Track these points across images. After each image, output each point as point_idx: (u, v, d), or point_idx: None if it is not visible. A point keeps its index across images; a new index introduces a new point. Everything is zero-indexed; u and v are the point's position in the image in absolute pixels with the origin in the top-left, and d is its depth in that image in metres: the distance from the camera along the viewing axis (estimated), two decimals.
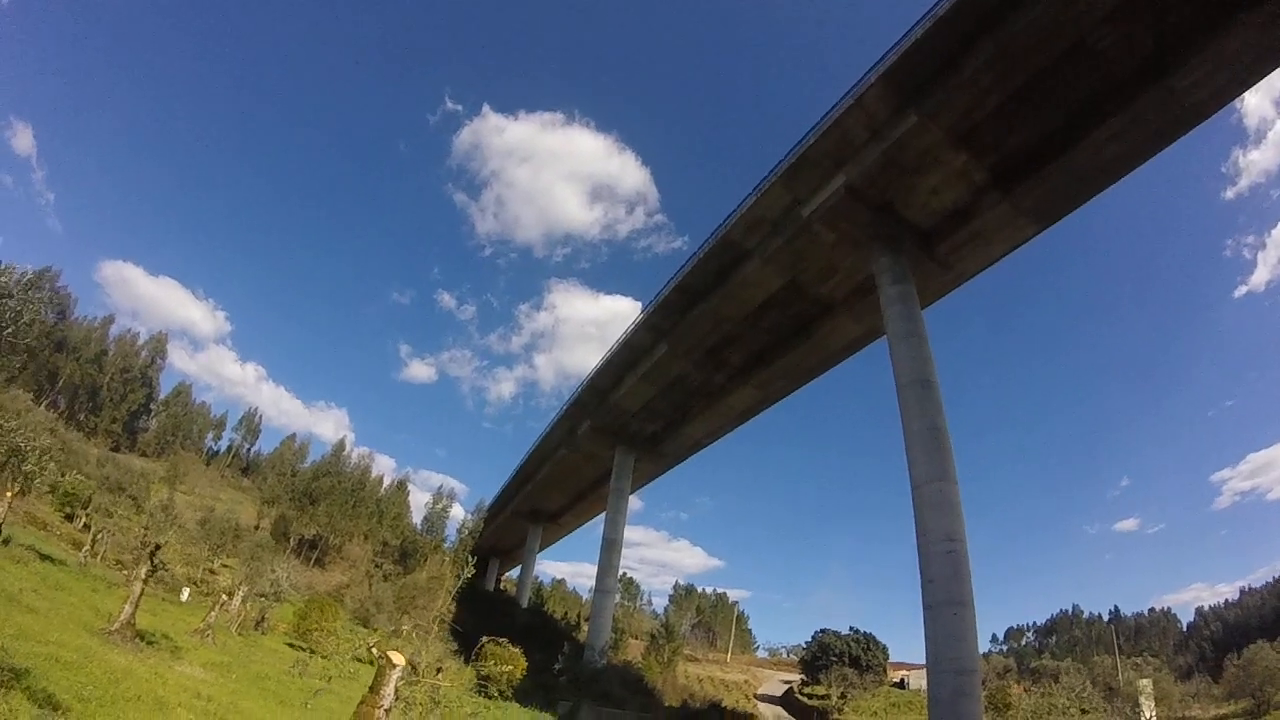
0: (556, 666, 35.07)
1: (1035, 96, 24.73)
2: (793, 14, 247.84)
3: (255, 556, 43.62)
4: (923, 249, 30.33)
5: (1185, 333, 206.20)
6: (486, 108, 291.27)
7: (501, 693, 33.47)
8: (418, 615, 55.51)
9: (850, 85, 26.36)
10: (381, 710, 10.11)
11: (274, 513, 69.34)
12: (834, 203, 28.52)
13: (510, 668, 33.39)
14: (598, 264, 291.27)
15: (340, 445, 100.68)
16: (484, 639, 31.69)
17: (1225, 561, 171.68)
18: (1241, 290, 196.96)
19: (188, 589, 38.19)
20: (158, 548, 19.42)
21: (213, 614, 25.73)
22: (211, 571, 47.57)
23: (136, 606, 17.66)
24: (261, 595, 37.40)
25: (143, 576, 18.37)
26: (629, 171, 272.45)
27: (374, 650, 11.71)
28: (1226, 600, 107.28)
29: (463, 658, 42.36)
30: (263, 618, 36.35)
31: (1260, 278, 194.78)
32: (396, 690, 10.61)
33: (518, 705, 31.06)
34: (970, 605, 22.22)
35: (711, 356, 40.48)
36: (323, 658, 30.99)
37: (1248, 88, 24.35)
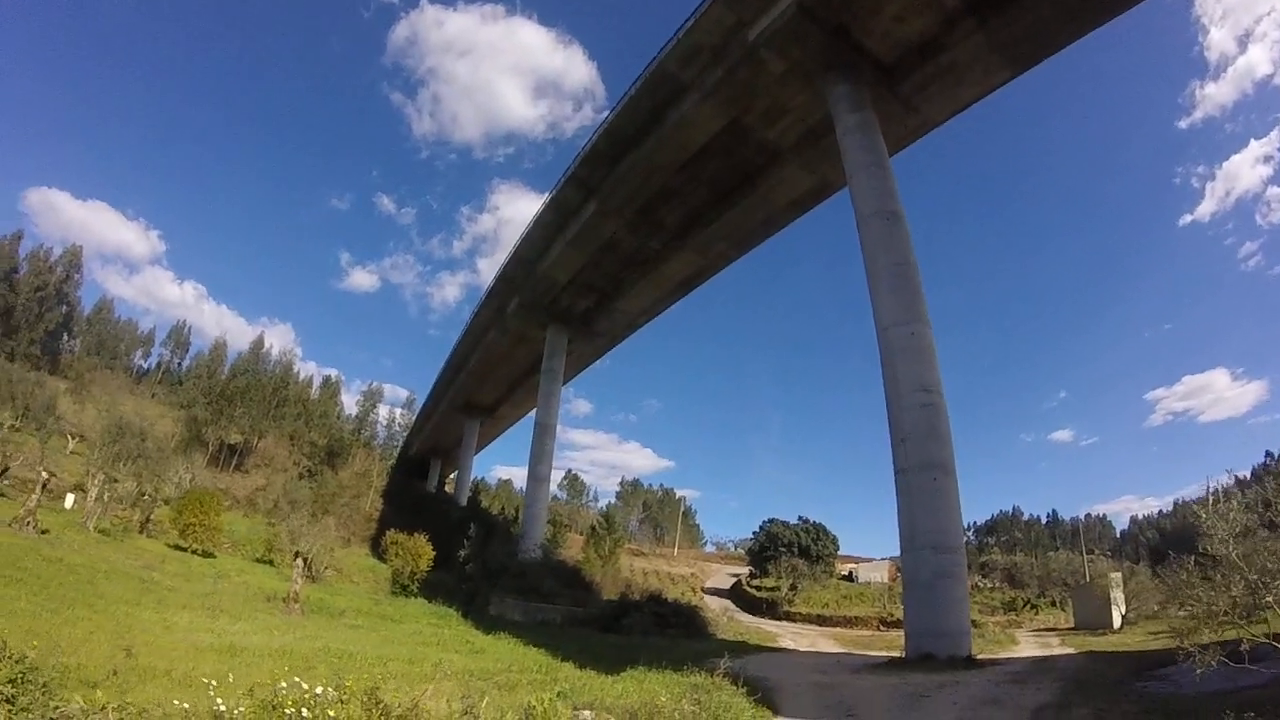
0: (461, 554, 32.96)
1: None
2: None
3: (141, 454, 40.54)
4: (885, 85, 27.67)
5: (1127, 254, 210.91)
6: None
7: (405, 587, 31.96)
8: (339, 513, 53.86)
9: None
10: None
11: (187, 417, 66.37)
12: (784, 23, 25.35)
13: (415, 560, 31.62)
14: (542, 164, 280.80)
15: (258, 343, 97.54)
16: (389, 532, 29.62)
17: (1154, 477, 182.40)
18: (1187, 219, 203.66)
19: (72, 495, 35.59)
20: None
21: (32, 499, 23.14)
22: (114, 480, 44.85)
23: None
24: (144, 495, 35.07)
25: None
26: (575, 66, 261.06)
27: None
28: (1160, 511, 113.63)
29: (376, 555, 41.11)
30: (147, 519, 34.24)
31: (1206, 209, 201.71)
32: None
33: (422, 600, 29.12)
34: (952, 471, 20.06)
35: (645, 216, 37.63)
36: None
37: None
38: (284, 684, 4.75)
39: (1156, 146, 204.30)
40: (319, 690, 4.74)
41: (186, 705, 4.70)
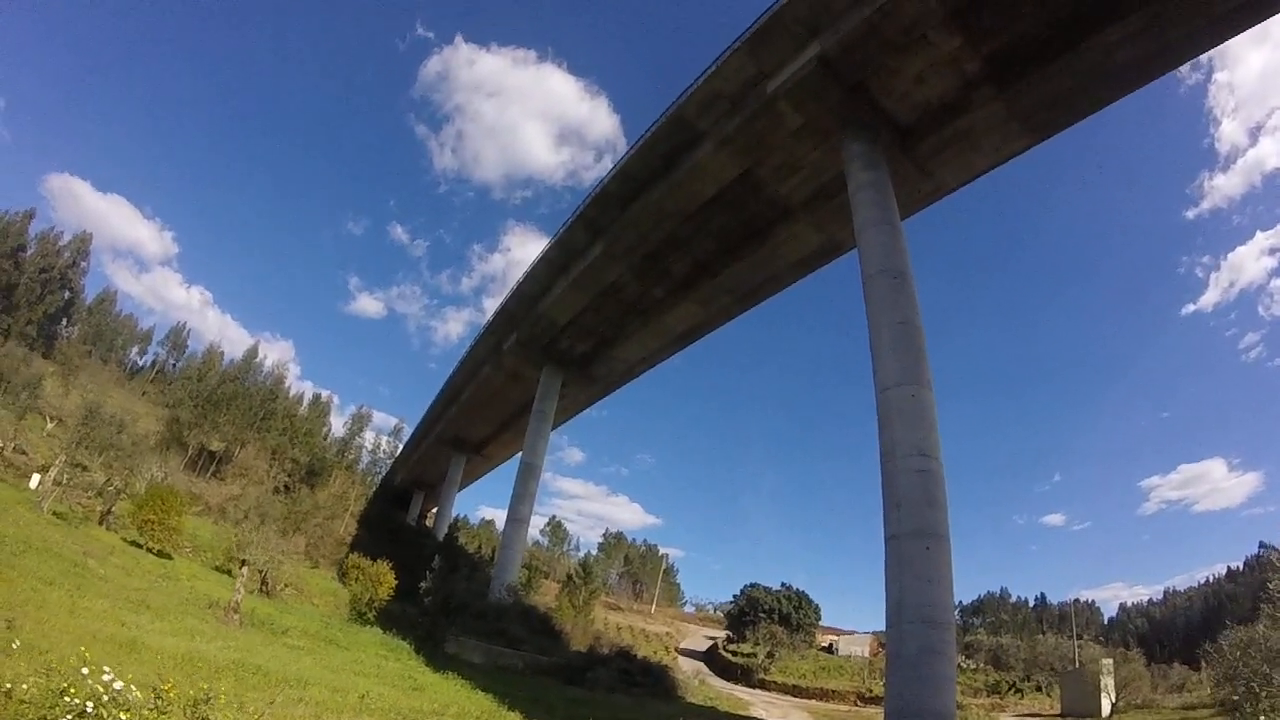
0: (422, 585, 31.51)
1: None
2: None
3: (114, 444, 39.44)
4: (900, 147, 27.37)
5: (1128, 339, 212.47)
6: (459, 37, 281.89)
7: (363, 614, 30.51)
8: (311, 533, 52.42)
9: None
10: None
11: (170, 417, 65.51)
12: (804, 75, 25.09)
13: (375, 586, 30.27)
14: (558, 210, 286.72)
15: (252, 352, 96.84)
16: (351, 555, 28.35)
17: (1145, 565, 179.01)
18: (1190, 308, 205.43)
19: (39, 476, 34.61)
20: None
21: None
22: (83, 468, 43.77)
23: None
24: (110, 486, 34.17)
25: None
26: (600, 117, 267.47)
27: None
28: (1151, 599, 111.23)
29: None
30: (109, 510, 33.25)
31: (1210, 299, 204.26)
32: None
33: (378, 629, 27.64)
34: (946, 539, 18.91)
35: (651, 263, 37.13)
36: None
37: None
38: (86, 670, 3.86)
39: (1163, 234, 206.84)
40: (119, 686, 3.82)
41: None
